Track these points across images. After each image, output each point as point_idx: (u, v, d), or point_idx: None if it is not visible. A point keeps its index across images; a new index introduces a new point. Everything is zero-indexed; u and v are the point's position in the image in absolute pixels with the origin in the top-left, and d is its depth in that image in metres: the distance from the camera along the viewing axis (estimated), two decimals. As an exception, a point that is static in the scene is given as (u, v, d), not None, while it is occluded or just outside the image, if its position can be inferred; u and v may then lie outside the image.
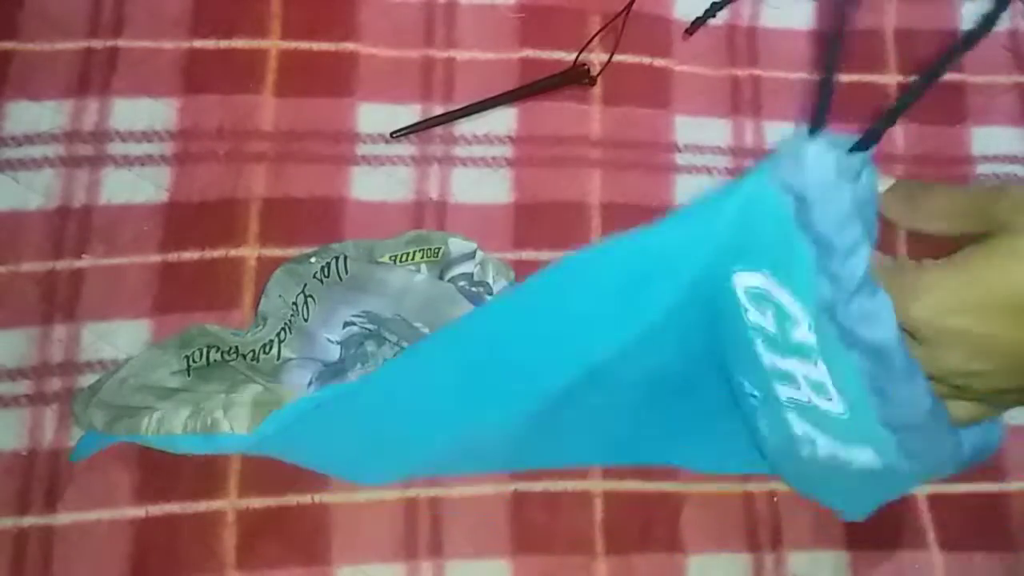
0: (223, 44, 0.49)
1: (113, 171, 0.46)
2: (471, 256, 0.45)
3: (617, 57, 0.51)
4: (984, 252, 0.26)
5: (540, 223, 0.47)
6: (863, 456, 0.32)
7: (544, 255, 0.47)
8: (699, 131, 0.50)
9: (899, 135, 0.51)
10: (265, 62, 0.49)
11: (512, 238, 0.47)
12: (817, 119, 0.25)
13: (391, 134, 0.48)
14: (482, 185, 0.48)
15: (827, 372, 0.30)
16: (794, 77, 0.52)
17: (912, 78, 0.51)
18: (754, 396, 0.35)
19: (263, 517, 0.42)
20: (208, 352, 0.42)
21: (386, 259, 0.44)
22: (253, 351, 0.42)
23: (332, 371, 0.43)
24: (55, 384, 0.43)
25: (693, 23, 0.47)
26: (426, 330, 0.42)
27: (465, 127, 0.49)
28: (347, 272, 0.42)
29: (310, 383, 0.42)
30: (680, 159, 0.50)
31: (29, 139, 0.46)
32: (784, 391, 0.33)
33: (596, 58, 0.51)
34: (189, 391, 0.41)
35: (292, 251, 0.45)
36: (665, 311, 0.30)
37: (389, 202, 0.47)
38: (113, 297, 0.44)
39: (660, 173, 0.49)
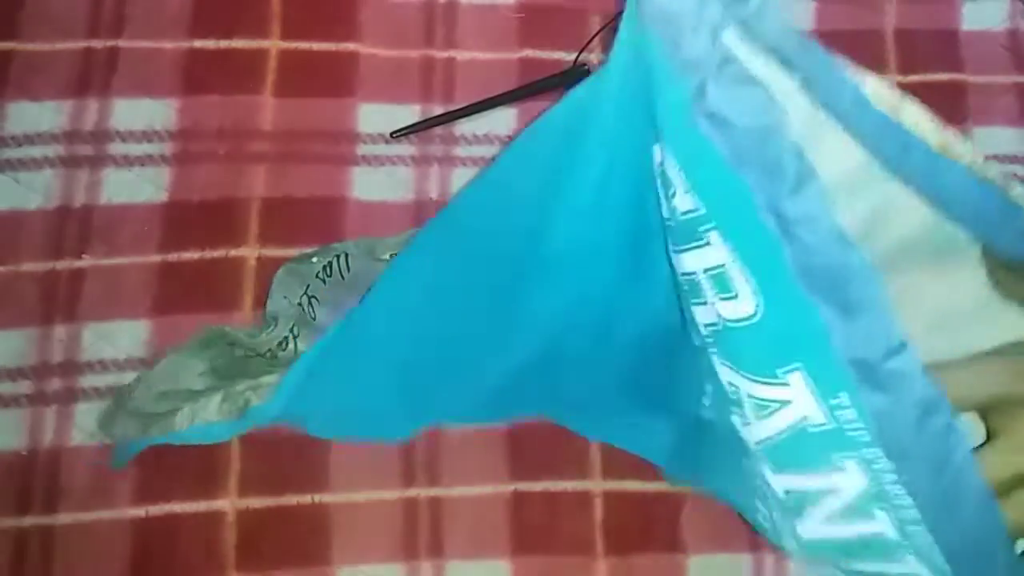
0: (223, 44, 0.49)
1: (113, 171, 0.46)
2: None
3: (617, 57, 0.51)
4: None
5: (540, 223, 0.47)
6: (795, 413, 0.26)
7: (544, 255, 0.47)
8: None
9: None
10: (265, 62, 0.49)
11: (512, 238, 0.47)
12: None
13: (391, 134, 0.48)
14: (482, 185, 0.48)
15: (725, 247, 0.25)
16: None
17: (910, 78, 0.51)
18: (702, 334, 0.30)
19: (263, 517, 0.42)
20: (232, 349, 0.42)
21: (388, 257, 0.44)
22: (270, 349, 0.42)
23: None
24: (55, 384, 0.43)
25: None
26: None
27: (465, 127, 0.49)
28: (349, 270, 0.42)
29: None
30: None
31: (29, 139, 0.46)
32: (700, 315, 0.28)
33: (596, 58, 0.51)
34: (217, 389, 0.41)
35: (292, 251, 0.45)
36: (595, 186, 0.29)
37: (389, 202, 0.47)
38: (113, 297, 0.44)
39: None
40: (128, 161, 0.46)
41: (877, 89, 0.25)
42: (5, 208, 0.45)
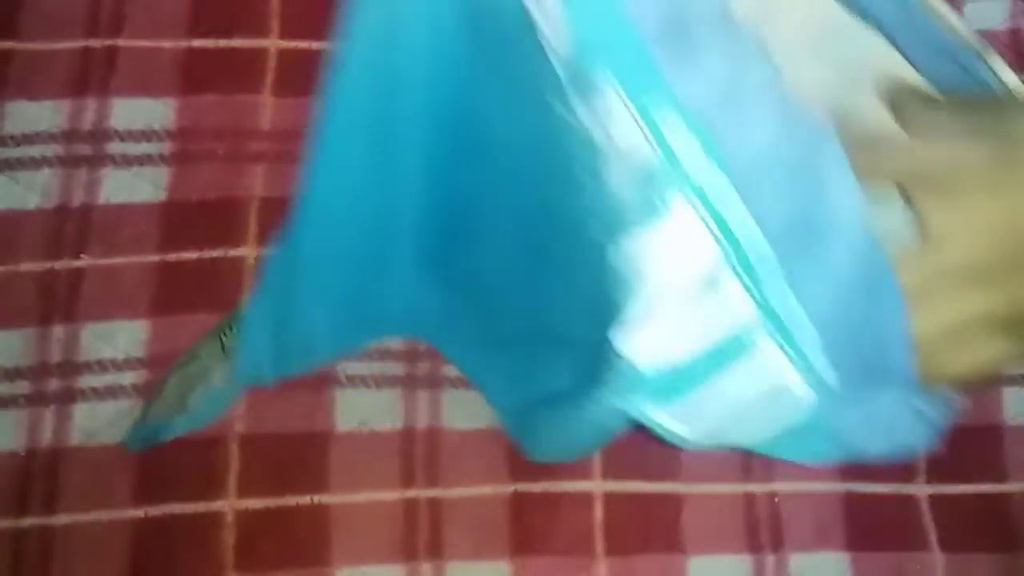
0: (222, 43, 0.49)
1: (112, 171, 0.46)
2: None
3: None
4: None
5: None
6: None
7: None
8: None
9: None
10: (265, 62, 0.49)
11: (512, 238, 0.47)
12: None
13: (391, 134, 0.48)
14: (482, 185, 0.48)
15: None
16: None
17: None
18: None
19: (262, 518, 0.42)
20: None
21: None
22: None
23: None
24: (54, 384, 0.43)
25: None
26: None
27: (465, 127, 0.49)
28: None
29: None
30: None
31: (28, 139, 0.46)
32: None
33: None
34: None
35: (291, 251, 0.45)
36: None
37: (389, 202, 0.47)
38: (112, 297, 0.44)
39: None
40: (127, 161, 0.46)
41: None
42: (3, 208, 0.45)
